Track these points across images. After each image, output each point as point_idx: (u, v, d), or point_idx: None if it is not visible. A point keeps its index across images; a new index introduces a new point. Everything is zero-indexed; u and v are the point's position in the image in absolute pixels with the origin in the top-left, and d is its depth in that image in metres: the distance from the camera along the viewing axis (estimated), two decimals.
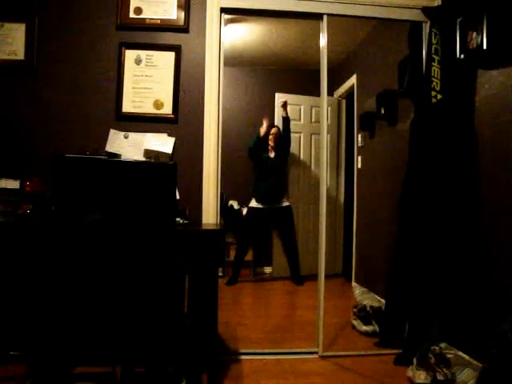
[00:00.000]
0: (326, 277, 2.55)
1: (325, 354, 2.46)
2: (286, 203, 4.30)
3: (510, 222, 2.03)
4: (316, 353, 2.47)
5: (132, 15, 2.47)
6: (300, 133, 4.66)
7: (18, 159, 2.35)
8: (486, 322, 2.11)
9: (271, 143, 4.29)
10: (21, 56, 2.41)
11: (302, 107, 4.68)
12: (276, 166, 4.30)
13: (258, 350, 2.47)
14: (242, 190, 4.45)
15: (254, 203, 4.29)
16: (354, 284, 3.91)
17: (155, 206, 1.50)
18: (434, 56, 2.39)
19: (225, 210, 4.36)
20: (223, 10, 2.51)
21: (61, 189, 1.46)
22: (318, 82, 2.57)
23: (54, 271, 1.48)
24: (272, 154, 4.31)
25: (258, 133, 4.26)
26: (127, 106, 2.46)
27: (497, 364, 1.40)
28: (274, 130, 4.31)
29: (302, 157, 4.68)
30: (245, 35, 3.97)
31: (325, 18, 2.55)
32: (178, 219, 2.15)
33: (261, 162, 4.30)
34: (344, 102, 4.73)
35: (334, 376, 2.22)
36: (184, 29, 2.49)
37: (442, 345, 2.27)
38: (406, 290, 2.42)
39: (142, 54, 2.47)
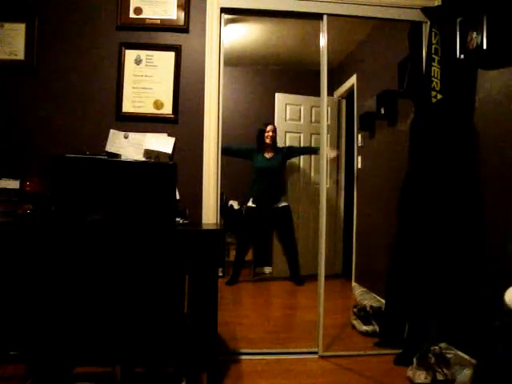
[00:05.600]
0: (326, 277, 2.55)
1: (325, 353, 2.46)
2: (283, 203, 4.29)
3: (510, 223, 2.03)
4: (316, 353, 2.47)
5: (132, 15, 2.47)
6: (300, 133, 4.66)
7: (18, 159, 2.35)
8: (486, 321, 2.11)
9: (268, 140, 4.25)
10: (21, 56, 2.41)
11: (302, 107, 4.68)
12: (272, 166, 4.26)
13: (257, 350, 2.47)
14: (241, 190, 4.45)
15: (250, 203, 4.29)
16: (354, 284, 3.91)
17: (155, 206, 1.50)
18: (433, 56, 2.39)
19: (225, 209, 4.36)
20: (223, 10, 2.51)
21: (61, 189, 1.46)
22: (318, 81, 2.57)
23: (55, 271, 1.48)
24: (269, 154, 4.29)
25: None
26: (127, 106, 2.46)
27: (489, 361, 1.42)
28: (270, 128, 4.26)
29: (301, 157, 4.67)
30: (245, 35, 3.97)
31: (325, 18, 2.55)
32: (178, 219, 2.15)
33: (257, 162, 4.28)
34: (344, 101, 4.73)
35: (333, 376, 2.22)
36: (184, 29, 2.49)
37: (442, 345, 2.27)
38: (405, 290, 2.42)
39: (142, 54, 2.47)
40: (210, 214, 2.45)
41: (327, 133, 2.66)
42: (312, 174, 4.67)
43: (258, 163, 4.27)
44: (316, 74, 2.61)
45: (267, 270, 4.67)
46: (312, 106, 4.65)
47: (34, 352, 1.90)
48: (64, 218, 1.45)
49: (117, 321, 1.50)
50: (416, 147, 2.45)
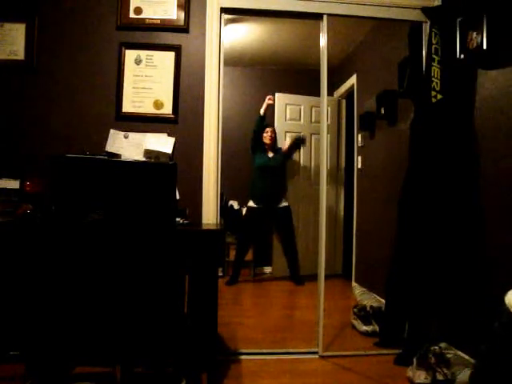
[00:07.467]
0: (326, 277, 2.55)
1: (325, 354, 2.46)
2: (284, 203, 4.30)
3: (510, 223, 2.03)
4: (316, 353, 2.47)
5: (132, 15, 2.47)
6: (300, 133, 4.66)
7: (18, 159, 2.35)
8: (486, 321, 2.11)
9: (268, 141, 4.27)
10: (21, 56, 2.41)
11: (302, 107, 4.68)
12: (274, 166, 4.29)
13: (257, 350, 2.47)
14: (242, 190, 4.45)
15: (251, 203, 4.29)
16: (354, 284, 3.91)
17: (155, 206, 1.50)
18: (434, 56, 2.39)
19: (225, 209, 4.36)
20: (223, 10, 2.51)
21: (61, 189, 1.46)
22: (318, 81, 2.57)
23: (55, 271, 1.48)
24: (270, 154, 4.31)
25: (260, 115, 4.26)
26: (127, 106, 2.46)
27: (487, 361, 1.42)
28: (270, 129, 4.30)
29: (301, 157, 4.68)
30: (245, 35, 3.97)
31: (325, 18, 2.55)
32: (177, 219, 2.15)
33: (258, 160, 4.28)
34: (344, 102, 4.73)
35: (333, 376, 2.22)
36: (184, 29, 2.49)
37: (442, 345, 2.27)
38: (406, 290, 2.42)
39: (142, 54, 2.47)
40: (210, 214, 2.45)
41: (327, 133, 2.66)
42: (312, 173, 4.68)
43: (259, 161, 4.28)
44: (316, 74, 2.61)
45: (267, 270, 4.68)
46: (312, 106, 4.66)
47: (34, 352, 1.90)
48: (64, 218, 1.45)
49: (117, 321, 1.50)
50: (416, 147, 2.45)
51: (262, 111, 4.23)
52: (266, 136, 4.28)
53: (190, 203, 2.40)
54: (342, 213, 4.71)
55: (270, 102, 4.24)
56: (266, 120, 4.31)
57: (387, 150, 3.47)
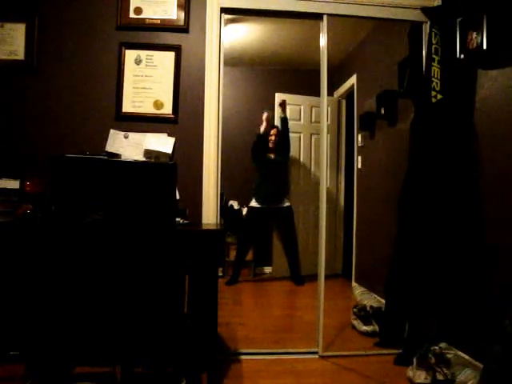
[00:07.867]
0: (326, 277, 2.55)
1: (325, 354, 2.46)
2: (286, 204, 4.30)
3: (510, 222, 2.03)
4: (316, 353, 2.47)
5: (132, 15, 2.47)
6: (300, 133, 4.66)
7: (18, 159, 2.35)
8: (486, 321, 2.11)
9: (271, 144, 4.30)
10: (21, 56, 2.41)
11: (302, 107, 4.68)
12: (277, 166, 4.30)
13: (257, 350, 2.47)
14: (242, 190, 4.45)
15: (254, 203, 4.30)
16: (354, 284, 3.91)
17: (155, 206, 1.50)
18: (434, 56, 2.39)
19: (225, 209, 4.36)
20: (223, 10, 2.51)
21: (61, 189, 1.46)
22: (318, 81, 2.57)
23: (55, 271, 1.48)
24: (273, 155, 4.32)
25: (258, 132, 4.27)
26: (127, 106, 2.46)
27: (501, 361, 1.41)
28: (273, 131, 4.33)
29: (302, 157, 4.68)
30: (245, 35, 3.97)
31: (325, 18, 2.55)
32: (177, 219, 2.15)
33: (262, 163, 4.30)
34: (344, 102, 4.73)
35: (333, 376, 2.22)
36: (184, 29, 2.49)
37: (442, 345, 2.27)
38: (406, 290, 2.42)
39: (142, 54, 2.47)
40: (210, 214, 2.45)
41: (327, 133, 2.66)
42: (312, 173, 4.67)
43: (263, 162, 4.28)
44: (316, 74, 2.61)
45: (267, 270, 4.67)
46: (312, 106, 4.66)
47: (34, 352, 1.90)
48: (64, 218, 1.45)
49: (117, 321, 1.50)
50: (416, 147, 2.45)
51: (261, 129, 4.22)
52: (270, 139, 4.30)
53: (190, 203, 2.40)
54: (342, 213, 4.71)
55: (265, 116, 4.22)
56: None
57: (387, 150, 3.47)
